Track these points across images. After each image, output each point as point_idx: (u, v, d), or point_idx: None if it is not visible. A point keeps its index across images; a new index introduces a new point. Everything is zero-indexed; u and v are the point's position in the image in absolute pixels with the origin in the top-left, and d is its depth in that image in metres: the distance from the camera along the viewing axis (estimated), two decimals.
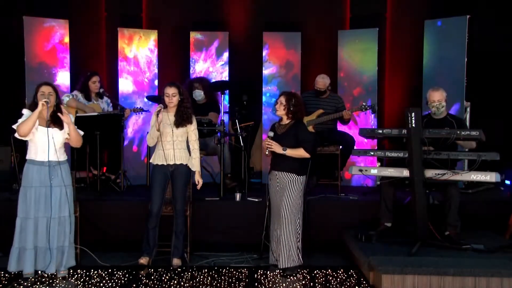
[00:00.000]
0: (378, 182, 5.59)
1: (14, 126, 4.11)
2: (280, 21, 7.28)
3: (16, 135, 4.13)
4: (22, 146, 5.50)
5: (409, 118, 4.21)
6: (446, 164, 4.32)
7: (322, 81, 5.94)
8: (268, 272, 4.47)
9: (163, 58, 7.05)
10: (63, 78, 6.56)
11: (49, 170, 4.15)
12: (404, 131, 4.35)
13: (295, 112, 4.46)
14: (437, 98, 4.75)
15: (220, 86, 6.17)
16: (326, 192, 5.74)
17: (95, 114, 5.66)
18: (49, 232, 4.13)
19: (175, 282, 4.21)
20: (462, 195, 4.81)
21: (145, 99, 6.62)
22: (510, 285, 3.85)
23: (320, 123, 5.80)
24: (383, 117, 7.12)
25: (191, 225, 4.88)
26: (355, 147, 5.90)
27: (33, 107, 4.13)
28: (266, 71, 6.89)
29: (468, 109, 6.16)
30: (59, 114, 4.15)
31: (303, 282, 4.24)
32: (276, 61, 6.88)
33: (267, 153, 4.48)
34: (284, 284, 4.18)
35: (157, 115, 4.46)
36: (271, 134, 4.50)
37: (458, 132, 4.31)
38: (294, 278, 4.32)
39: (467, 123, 5.87)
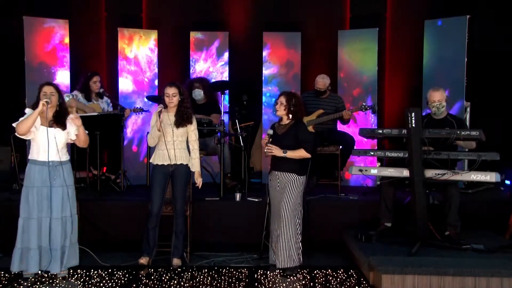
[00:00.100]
0: (378, 182, 5.59)
1: (14, 124, 4.12)
2: (280, 21, 7.28)
3: (16, 133, 4.14)
4: (22, 146, 5.53)
5: (409, 118, 4.21)
6: (446, 164, 4.32)
7: (322, 81, 5.94)
8: (268, 272, 4.47)
9: (163, 58, 7.05)
10: (62, 77, 6.56)
11: (50, 170, 4.16)
12: (404, 131, 4.35)
13: (295, 112, 4.46)
14: (437, 98, 4.75)
15: (220, 86, 6.17)
16: (326, 192, 5.74)
17: (95, 114, 5.67)
18: (51, 232, 4.13)
19: (175, 282, 4.21)
20: (462, 195, 4.81)
21: (145, 99, 6.62)
22: (510, 285, 3.85)
23: (320, 123, 5.80)
24: (383, 117, 7.11)
25: (191, 225, 4.88)
26: (355, 147, 5.90)
27: (35, 106, 4.14)
28: (266, 71, 6.89)
29: (468, 109, 6.16)
30: (70, 118, 4.19)
31: (303, 282, 4.24)
32: (276, 61, 6.88)
33: (266, 152, 4.47)
34: (284, 284, 4.18)
35: (159, 115, 4.46)
36: (271, 132, 4.50)
37: (458, 132, 4.31)
38: (294, 278, 4.32)
39: (467, 123, 5.86)
